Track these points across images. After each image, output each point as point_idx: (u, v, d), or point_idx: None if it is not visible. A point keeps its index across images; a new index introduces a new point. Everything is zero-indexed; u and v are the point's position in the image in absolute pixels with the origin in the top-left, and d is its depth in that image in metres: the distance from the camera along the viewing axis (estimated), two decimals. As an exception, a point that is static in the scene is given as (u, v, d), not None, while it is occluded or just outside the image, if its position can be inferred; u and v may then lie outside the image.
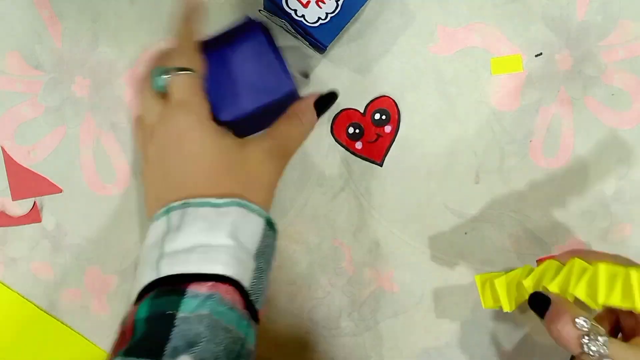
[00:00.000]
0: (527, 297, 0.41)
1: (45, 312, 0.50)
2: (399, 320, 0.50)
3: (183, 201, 0.34)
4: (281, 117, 0.40)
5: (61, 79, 0.48)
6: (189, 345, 0.29)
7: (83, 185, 0.49)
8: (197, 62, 0.38)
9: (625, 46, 0.49)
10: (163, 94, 0.37)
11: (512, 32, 0.48)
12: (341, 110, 0.49)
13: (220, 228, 0.33)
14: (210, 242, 0.33)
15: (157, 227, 0.34)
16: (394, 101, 0.49)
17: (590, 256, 0.38)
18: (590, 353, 0.34)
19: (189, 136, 0.35)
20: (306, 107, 0.41)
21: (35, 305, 0.49)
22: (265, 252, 0.36)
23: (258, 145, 0.38)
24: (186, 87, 0.36)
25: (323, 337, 0.50)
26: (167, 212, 0.34)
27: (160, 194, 0.36)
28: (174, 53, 0.38)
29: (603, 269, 0.37)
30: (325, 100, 0.43)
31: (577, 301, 0.38)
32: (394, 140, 0.49)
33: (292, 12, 0.42)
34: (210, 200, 0.34)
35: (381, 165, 0.49)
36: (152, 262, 0.33)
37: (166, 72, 0.37)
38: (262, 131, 0.42)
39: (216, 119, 0.39)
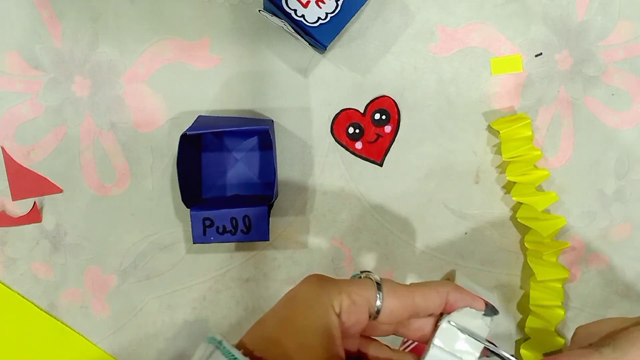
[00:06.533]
0: None
1: (45, 312, 0.50)
2: (399, 320, 0.50)
3: (221, 339, 0.29)
4: None
5: (61, 79, 0.48)
6: None
7: (83, 185, 0.49)
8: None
9: (625, 46, 0.49)
10: None
11: (512, 32, 0.48)
12: (341, 110, 0.49)
13: None
14: None
15: (199, 350, 0.30)
16: (394, 101, 0.49)
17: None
18: None
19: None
20: None
21: (35, 305, 0.49)
22: None
23: None
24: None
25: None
26: (209, 340, 0.30)
27: (259, 326, 0.31)
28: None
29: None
30: None
31: None
32: (394, 140, 0.49)
33: (292, 12, 0.42)
34: (238, 356, 0.28)
35: (381, 165, 0.49)
36: None
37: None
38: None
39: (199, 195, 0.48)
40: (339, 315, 0.29)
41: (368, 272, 0.32)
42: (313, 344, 0.28)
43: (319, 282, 0.30)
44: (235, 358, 0.27)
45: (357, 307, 0.30)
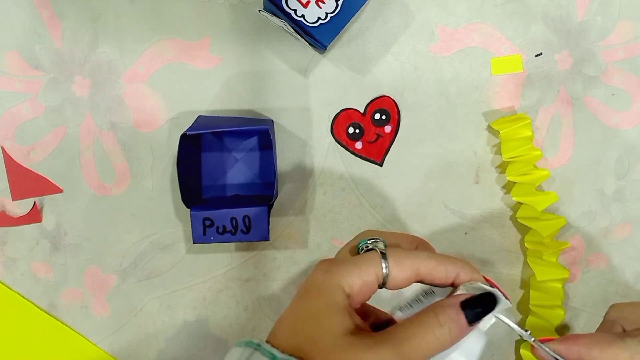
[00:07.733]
0: None
1: (45, 312, 0.50)
2: (399, 320, 0.50)
3: (259, 342, 0.31)
4: (415, 315, 0.32)
5: (61, 79, 0.48)
6: None
7: (83, 185, 0.49)
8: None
9: (625, 46, 0.49)
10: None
11: (512, 32, 0.48)
12: (341, 110, 0.49)
13: None
14: None
15: (233, 354, 0.32)
16: (394, 101, 0.49)
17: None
18: None
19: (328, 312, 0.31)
20: (449, 305, 0.31)
21: (35, 305, 0.49)
22: None
23: (378, 354, 0.30)
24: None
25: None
26: (247, 344, 0.32)
27: (284, 327, 0.32)
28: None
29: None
30: (477, 302, 0.32)
31: None
32: (394, 140, 0.49)
33: (292, 12, 0.42)
34: (276, 353, 0.30)
35: (381, 165, 0.49)
36: None
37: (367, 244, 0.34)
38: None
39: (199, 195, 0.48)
40: (350, 296, 0.31)
41: (375, 239, 0.33)
42: (325, 330, 0.30)
43: (329, 267, 0.32)
44: (275, 357, 0.29)
45: (368, 283, 0.31)
